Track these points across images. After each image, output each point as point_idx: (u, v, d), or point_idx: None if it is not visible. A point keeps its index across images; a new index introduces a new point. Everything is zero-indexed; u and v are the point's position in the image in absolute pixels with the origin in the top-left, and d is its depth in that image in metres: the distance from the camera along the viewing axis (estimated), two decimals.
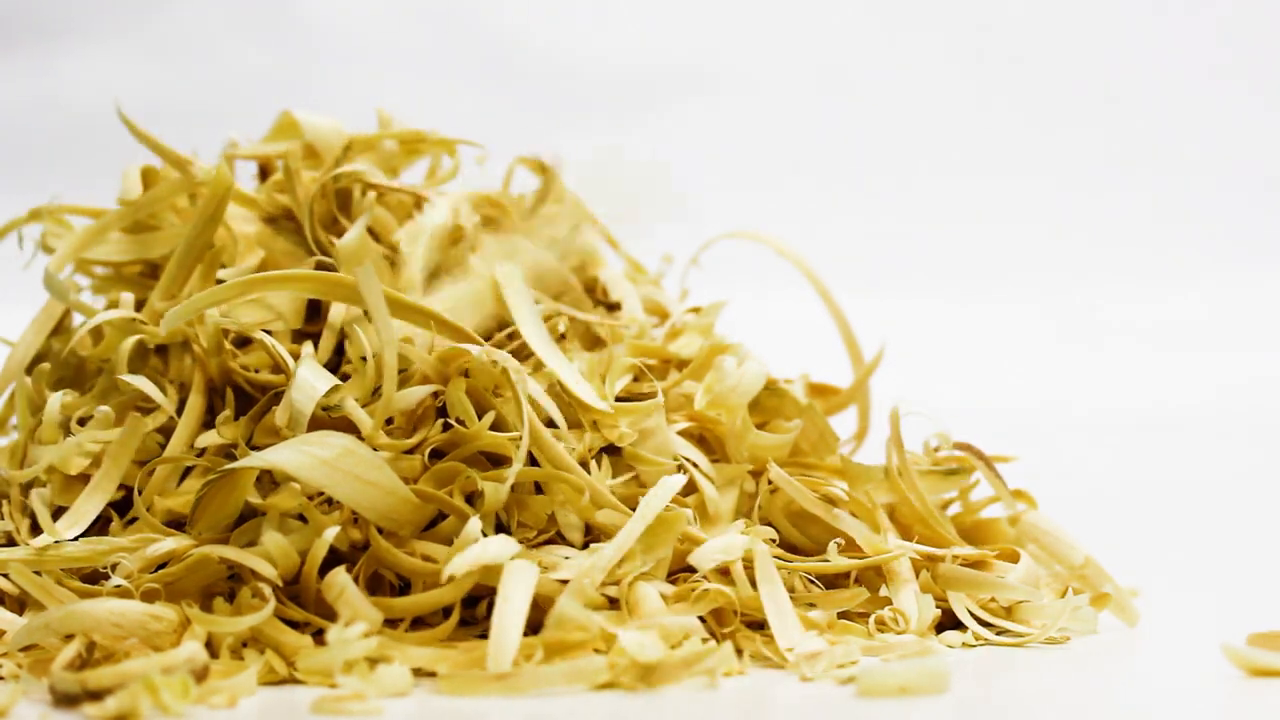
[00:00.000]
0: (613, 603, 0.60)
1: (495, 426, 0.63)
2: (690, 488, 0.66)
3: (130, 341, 0.65)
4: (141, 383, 0.64)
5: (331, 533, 0.59)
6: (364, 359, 0.63)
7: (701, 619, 0.61)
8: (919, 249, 1.43)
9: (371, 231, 0.68)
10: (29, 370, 0.68)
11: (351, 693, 0.55)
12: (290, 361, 0.64)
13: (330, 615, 0.59)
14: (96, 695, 0.53)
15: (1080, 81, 1.49)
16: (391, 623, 0.60)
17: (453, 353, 0.63)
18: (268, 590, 0.59)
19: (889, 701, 0.54)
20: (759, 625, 0.62)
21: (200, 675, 0.55)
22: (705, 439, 0.69)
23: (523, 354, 0.66)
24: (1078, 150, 1.49)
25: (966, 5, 1.50)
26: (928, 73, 1.49)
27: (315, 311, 0.68)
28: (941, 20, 1.50)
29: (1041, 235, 1.45)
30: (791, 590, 0.63)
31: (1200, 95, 1.49)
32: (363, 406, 0.62)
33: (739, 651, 0.60)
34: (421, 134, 0.74)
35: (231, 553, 0.59)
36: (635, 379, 0.68)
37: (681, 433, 0.68)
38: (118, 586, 0.60)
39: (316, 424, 0.61)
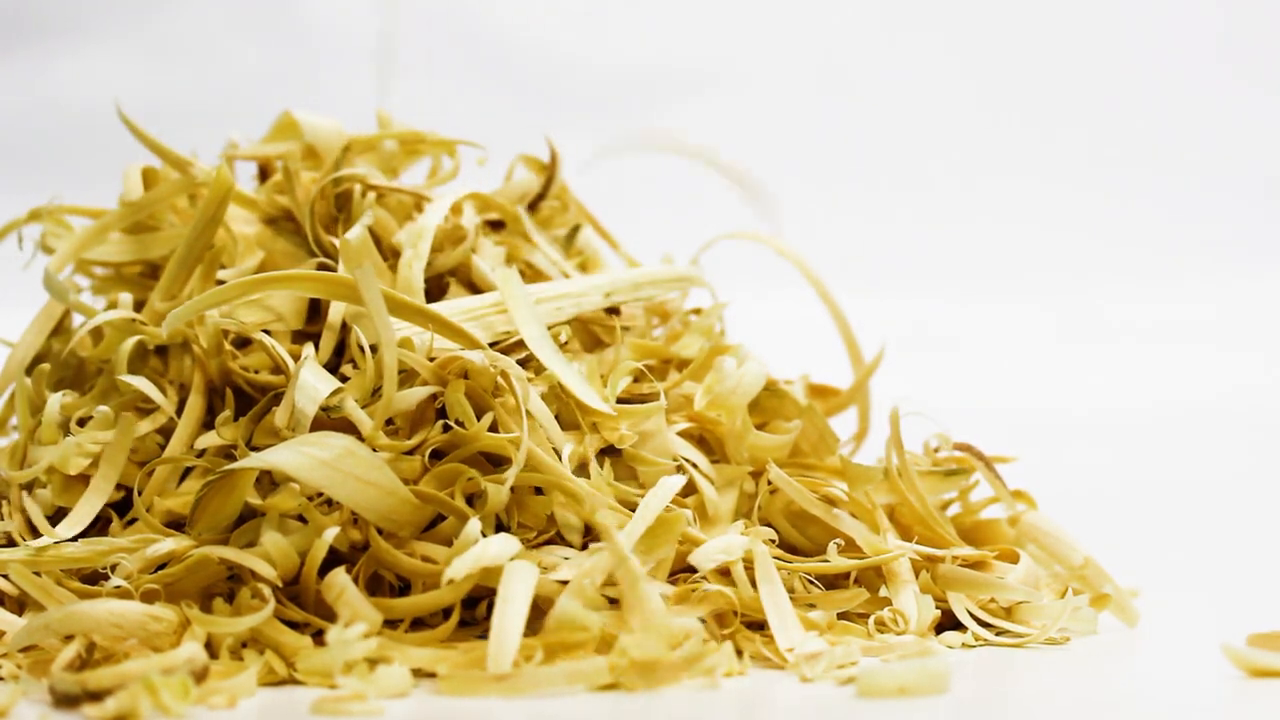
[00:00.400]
0: (613, 603, 0.60)
1: (494, 427, 0.63)
2: (690, 488, 0.66)
3: (130, 342, 0.65)
4: (141, 383, 0.64)
5: (331, 533, 0.59)
6: (364, 350, 0.63)
7: (701, 620, 0.61)
8: (919, 249, 1.43)
9: (372, 233, 0.68)
10: (29, 371, 0.68)
11: (351, 693, 0.55)
12: (290, 362, 0.64)
13: (330, 616, 0.59)
14: (96, 696, 0.53)
15: (1082, 80, 1.49)
16: (391, 623, 0.60)
17: (452, 356, 0.63)
18: (267, 591, 0.59)
19: (889, 701, 0.54)
20: (759, 625, 0.62)
21: (200, 676, 0.55)
22: (705, 439, 0.69)
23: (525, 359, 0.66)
24: (1079, 150, 1.49)
25: (968, 4, 1.50)
26: (929, 72, 1.49)
27: (315, 312, 0.68)
28: (942, 19, 1.50)
29: (1042, 235, 1.45)
30: (791, 591, 0.63)
31: (1203, 94, 1.49)
32: (362, 408, 0.62)
33: (739, 652, 0.60)
34: (421, 134, 0.74)
35: (231, 553, 0.59)
36: (635, 379, 0.68)
37: (681, 433, 0.68)
38: (117, 587, 0.60)
39: (316, 425, 0.61)
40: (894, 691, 0.55)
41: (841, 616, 0.64)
